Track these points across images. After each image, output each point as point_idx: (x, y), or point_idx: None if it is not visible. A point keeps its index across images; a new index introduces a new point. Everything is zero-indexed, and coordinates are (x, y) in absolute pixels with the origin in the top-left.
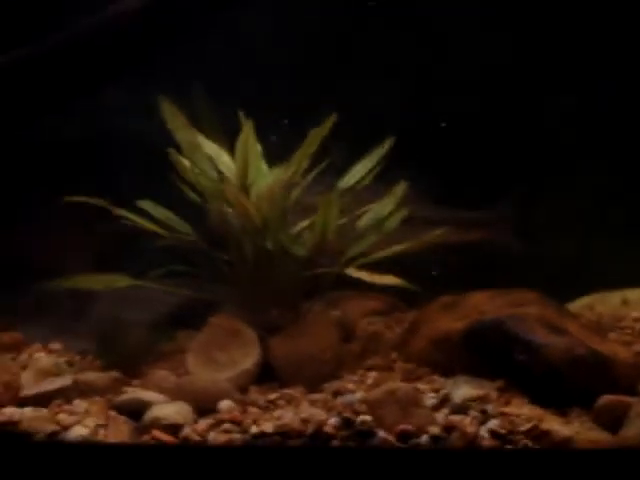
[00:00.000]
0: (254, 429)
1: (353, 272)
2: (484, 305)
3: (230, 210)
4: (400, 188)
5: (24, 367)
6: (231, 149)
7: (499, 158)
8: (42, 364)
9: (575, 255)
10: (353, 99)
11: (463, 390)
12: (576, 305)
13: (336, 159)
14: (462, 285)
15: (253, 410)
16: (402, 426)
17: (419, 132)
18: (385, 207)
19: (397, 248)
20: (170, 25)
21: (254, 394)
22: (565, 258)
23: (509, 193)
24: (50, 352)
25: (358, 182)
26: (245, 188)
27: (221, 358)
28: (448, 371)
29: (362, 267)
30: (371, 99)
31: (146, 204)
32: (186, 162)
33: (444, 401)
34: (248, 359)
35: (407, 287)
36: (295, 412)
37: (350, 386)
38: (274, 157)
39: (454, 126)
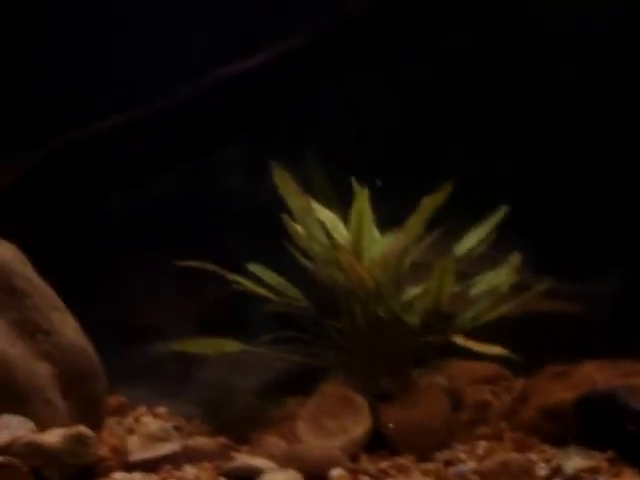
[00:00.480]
0: None
1: (462, 341)
2: (594, 375)
3: (342, 276)
4: (515, 258)
5: (130, 431)
6: (343, 215)
7: (606, 229)
8: (150, 428)
9: None
10: (465, 165)
11: (574, 461)
12: None
13: (451, 225)
14: (563, 355)
15: (364, 479)
16: None
17: (530, 199)
18: (499, 276)
19: (503, 309)
20: (284, 89)
21: (365, 462)
22: None
23: (612, 268)
24: (156, 416)
25: (472, 249)
26: (358, 255)
27: (332, 425)
28: (558, 441)
29: (470, 333)
30: (484, 166)
31: (256, 268)
32: (298, 228)
33: (556, 472)
34: (359, 427)
35: (512, 358)
36: None
37: (461, 456)
38: (386, 222)
39: (563, 194)
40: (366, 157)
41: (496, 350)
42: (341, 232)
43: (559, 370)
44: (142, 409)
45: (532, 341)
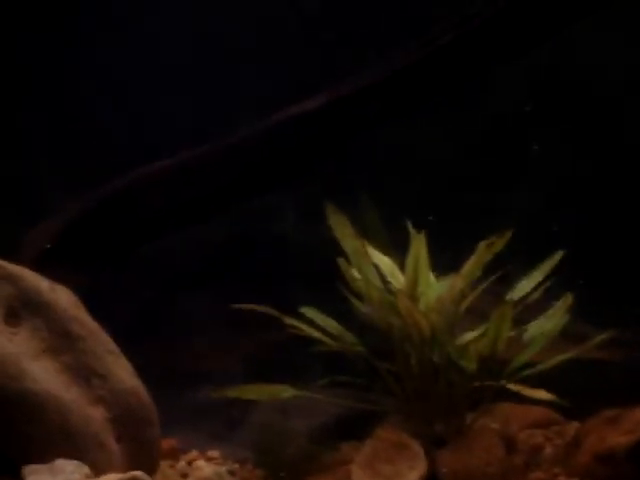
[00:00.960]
0: None
1: (514, 387)
2: None
3: (398, 320)
4: (566, 301)
5: (184, 475)
6: (397, 259)
7: None
8: (204, 473)
9: None
10: (522, 210)
11: None
12: None
13: (507, 270)
14: (615, 399)
15: None
16: None
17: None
18: (551, 319)
19: (560, 358)
20: (340, 132)
21: None
22: None
23: None
24: (209, 460)
25: (528, 294)
26: (415, 299)
27: (387, 471)
28: None
29: (523, 379)
30: (542, 210)
31: (310, 312)
32: (354, 271)
33: None
34: (414, 472)
35: (559, 403)
36: None
37: None
38: (442, 268)
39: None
40: (423, 203)
41: (545, 396)
42: (397, 276)
43: (612, 415)
44: (194, 453)
45: (585, 385)
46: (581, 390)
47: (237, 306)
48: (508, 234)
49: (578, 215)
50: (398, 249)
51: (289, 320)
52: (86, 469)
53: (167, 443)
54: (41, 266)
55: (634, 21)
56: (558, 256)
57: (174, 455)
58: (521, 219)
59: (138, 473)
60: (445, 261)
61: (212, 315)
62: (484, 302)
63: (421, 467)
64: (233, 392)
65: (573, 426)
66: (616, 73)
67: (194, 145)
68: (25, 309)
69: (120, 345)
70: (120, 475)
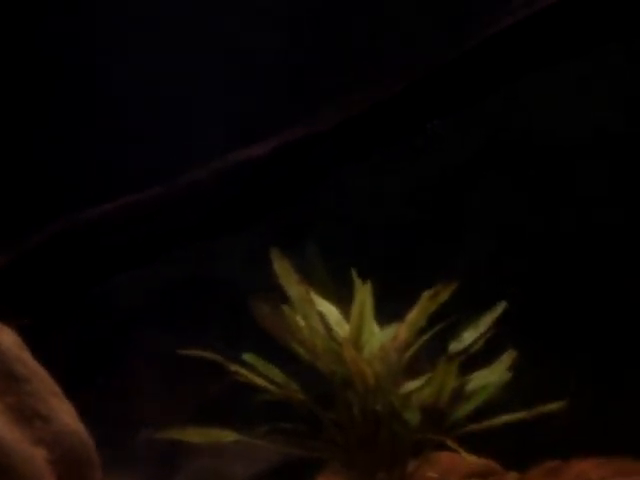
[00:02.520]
0: None
1: (451, 443)
2: (590, 473)
3: (340, 369)
4: (509, 356)
5: None
6: (341, 306)
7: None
8: None
9: None
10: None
11: None
12: None
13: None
14: (557, 450)
15: None
16: None
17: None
18: (493, 373)
19: (506, 418)
20: (294, 179)
21: None
22: None
23: None
24: None
25: (469, 347)
26: (359, 348)
27: None
28: None
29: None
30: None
31: (252, 358)
32: (298, 319)
33: None
34: None
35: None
36: None
37: None
38: (385, 315)
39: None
40: (367, 251)
41: (476, 461)
42: (342, 325)
43: (553, 466)
44: None
45: (525, 434)
46: (521, 440)
47: (184, 352)
48: (453, 285)
49: (526, 265)
50: (342, 298)
51: (233, 367)
52: None
53: None
54: None
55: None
56: (501, 308)
57: None
58: (469, 269)
59: None
60: (389, 310)
61: (159, 356)
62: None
63: None
64: (175, 434)
65: (512, 476)
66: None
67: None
68: None
69: (62, 387)
70: None
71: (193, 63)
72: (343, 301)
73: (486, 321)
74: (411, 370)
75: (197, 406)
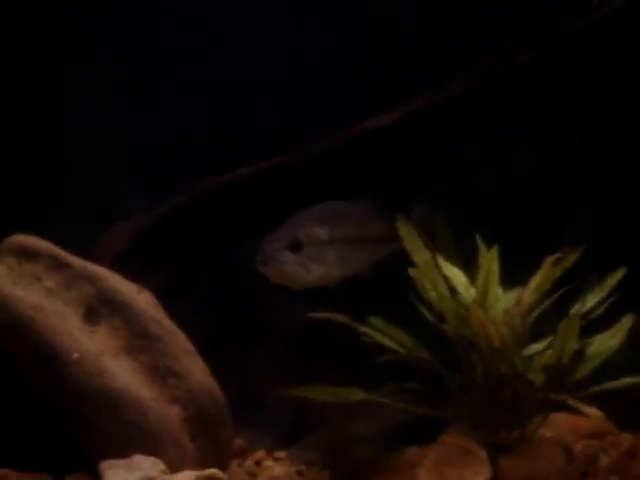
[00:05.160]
0: None
1: (572, 402)
2: None
3: (467, 331)
4: (628, 320)
5: (252, 474)
6: (465, 270)
7: None
8: (275, 473)
9: None
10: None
11: None
12: None
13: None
14: None
15: None
16: None
17: None
18: (613, 337)
19: (627, 381)
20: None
21: None
22: None
23: None
24: (277, 460)
25: (591, 310)
26: (485, 312)
27: (452, 476)
28: None
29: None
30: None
31: (378, 321)
32: (425, 282)
33: None
34: (479, 477)
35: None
36: None
37: None
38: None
39: None
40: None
41: (597, 413)
42: (467, 289)
43: None
44: (261, 453)
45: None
46: (636, 401)
47: (313, 315)
48: (578, 249)
49: None
50: (467, 262)
51: (363, 328)
52: (162, 466)
53: (236, 443)
54: (118, 269)
55: None
56: (620, 273)
57: (242, 455)
58: (590, 234)
59: (215, 471)
60: (511, 274)
61: (287, 324)
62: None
63: (485, 473)
64: (304, 392)
65: (627, 437)
66: None
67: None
68: (104, 308)
69: (197, 346)
70: (196, 472)
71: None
72: (465, 266)
73: (608, 285)
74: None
75: (326, 367)
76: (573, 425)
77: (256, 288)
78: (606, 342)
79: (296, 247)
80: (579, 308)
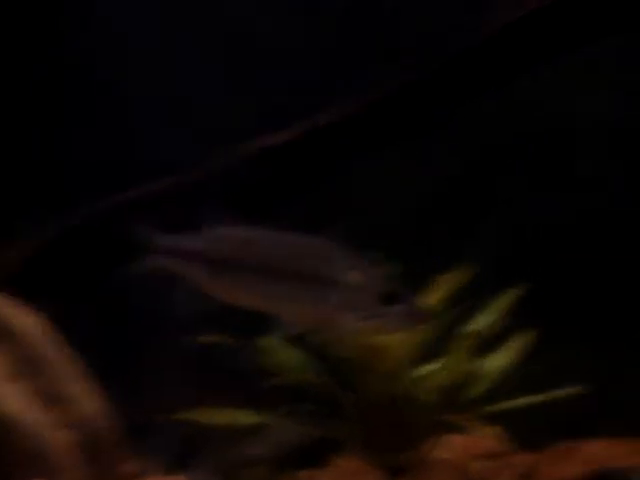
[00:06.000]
0: None
1: (465, 422)
2: (604, 452)
3: (359, 351)
4: (522, 338)
5: None
6: None
7: None
8: None
9: None
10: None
11: None
12: None
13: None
14: (570, 430)
15: None
16: None
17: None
18: (507, 356)
19: (522, 401)
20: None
21: None
22: None
23: None
24: None
25: (487, 327)
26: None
27: None
28: None
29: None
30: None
31: (272, 342)
32: None
33: None
34: None
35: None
36: None
37: None
38: None
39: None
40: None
41: (493, 433)
42: None
43: (566, 447)
44: (155, 478)
45: (536, 416)
46: (534, 421)
47: (201, 339)
48: (470, 269)
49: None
50: None
51: (251, 349)
52: None
53: (130, 467)
54: (8, 290)
55: None
56: (516, 292)
57: (136, 478)
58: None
59: None
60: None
61: (179, 348)
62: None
63: None
64: (196, 416)
65: (523, 457)
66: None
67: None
68: None
69: (89, 369)
70: None
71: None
72: None
73: (501, 305)
74: None
75: (219, 390)
76: (469, 446)
77: (146, 312)
78: (499, 361)
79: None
80: (471, 328)
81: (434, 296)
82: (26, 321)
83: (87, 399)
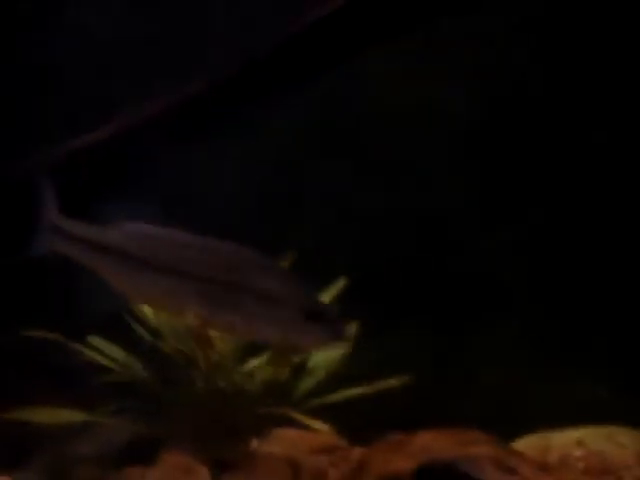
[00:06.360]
0: None
1: (295, 415)
2: (433, 444)
3: (183, 347)
4: (351, 328)
5: None
6: None
7: None
8: None
9: None
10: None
11: None
12: (522, 444)
13: None
14: (396, 425)
15: None
16: None
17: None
18: (335, 348)
19: (349, 393)
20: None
21: None
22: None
23: None
24: None
25: None
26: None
27: None
28: None
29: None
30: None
31: (96, 340)
32: None
33: None
34: None
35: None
36: None
37: None
38: None
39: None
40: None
41: (322, 426)
42: None
43: (397, 439)
44: None
45: (369, 409)
46: (366, 414)
47: (28, 333)
48: (290, 257)
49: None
50: None
51: (76, 346)
52: None
53: None
54: None
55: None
56: (340, 283)
57: None
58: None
59: None
60: None
61: (7, 345)
62: None
63: None
64: (24, 414)
65: (358, 451)
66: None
67: None
68: None
69: None
70: None
71: None
72: None
73: (326, 297)
74: None
75: (45, 388)
76: (303, 441)
77: None
78: (327, 354)
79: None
80: None
81: None
82: None
83: None
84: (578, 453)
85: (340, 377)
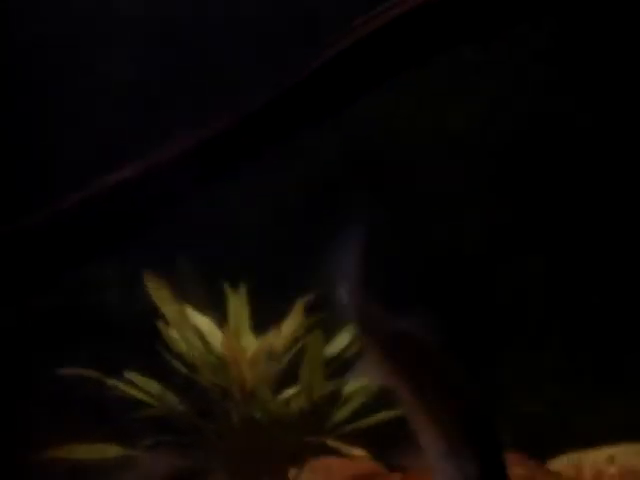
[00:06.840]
0: None
1: (331, 442)
2: None
3: (217, 378)
4: None
5: None
6: (217, 319)
7: None
8: None
9: None
10: None
11: None
12: (556, 464)
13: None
14: None
15: None
16: None
17: None
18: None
19: (381, 416)
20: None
21: None
22: None
23: None
24: None
25: (345, 349)
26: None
27: None
28: None
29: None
30: None
31: (132, 375)
32: (174, 333)
33: None
34: None
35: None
36: None
37: None
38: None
39: None
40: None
41: (359, 452)
42: (215, 334)
43: None
44: None
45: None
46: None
47: (64, 371)
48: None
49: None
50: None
51: (110, 381)
52: None
53: None
54: None
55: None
56: None
57: None
58: None
59: None
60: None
61: (44, 378)
62: None
63: None
64: (61, 452)
65: (397, 476)
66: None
67: None
68: None
69: None
70: None
71: None
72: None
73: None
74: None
75: (83, 424)
76: (342, 469)
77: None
78: (362, 380)
79: None
80: (331, 349)
81: (295, 319)
82: None
83: None
84: (612, 470)
85: (376, 404)
